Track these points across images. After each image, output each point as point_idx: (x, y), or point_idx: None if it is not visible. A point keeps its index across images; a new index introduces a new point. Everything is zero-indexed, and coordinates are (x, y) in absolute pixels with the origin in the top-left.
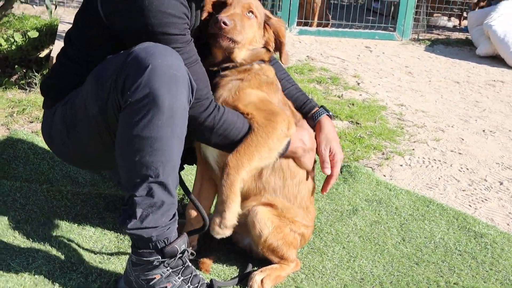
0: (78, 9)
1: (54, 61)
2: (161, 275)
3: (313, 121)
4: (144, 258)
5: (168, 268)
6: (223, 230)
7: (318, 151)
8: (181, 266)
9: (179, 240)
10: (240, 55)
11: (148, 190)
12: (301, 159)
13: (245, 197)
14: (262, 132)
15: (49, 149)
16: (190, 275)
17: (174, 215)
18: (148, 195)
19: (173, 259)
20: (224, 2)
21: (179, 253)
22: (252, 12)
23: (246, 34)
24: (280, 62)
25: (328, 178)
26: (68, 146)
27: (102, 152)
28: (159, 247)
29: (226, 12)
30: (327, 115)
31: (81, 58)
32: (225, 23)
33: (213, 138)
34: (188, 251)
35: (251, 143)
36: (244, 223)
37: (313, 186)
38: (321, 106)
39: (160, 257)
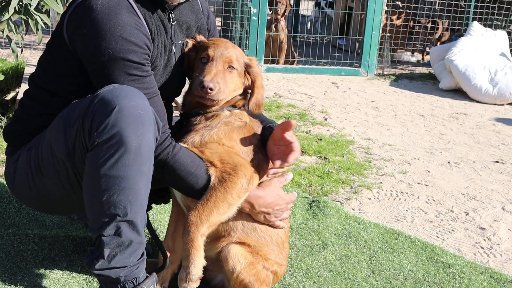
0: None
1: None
2: None
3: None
4: None
5: None
6: (190, 284)
7: (268, 147)
8: None
9: (147, 280)
10: (217, 107)
11: (116, 229)
12: (255, 216)
13: (216, 237)
14: (221, 187)
15: None
16: None
17: (142, 254)
18: (116, 234)
19: None
20: (205, 49)
21: None
22: (232, 66)
23: (227, 89)
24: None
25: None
26: (33, 192)
27: (69, 196)
28: None
29: (209, 72)
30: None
31: (45, 97)
32: (211, 89)
33: (166, 176)
34: None
35: (210, 199)
36: (217, 260)
37: (288, 224)
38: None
39: None
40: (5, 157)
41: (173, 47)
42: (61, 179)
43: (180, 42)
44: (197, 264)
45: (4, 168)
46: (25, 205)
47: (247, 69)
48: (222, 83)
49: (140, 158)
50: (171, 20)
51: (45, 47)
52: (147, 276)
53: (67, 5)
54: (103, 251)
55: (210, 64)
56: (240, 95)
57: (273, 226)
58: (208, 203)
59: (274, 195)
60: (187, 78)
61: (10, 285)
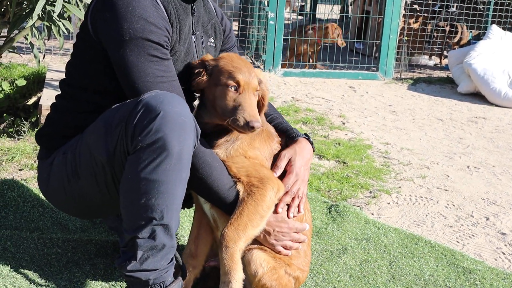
0: (65, 57)
1: (44, 109)
2: None
3: (292, 140)
4: None
5: None
6: None
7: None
8: None
9: (173, 284)
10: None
11: (151, 232)
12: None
13: None
14: (251, 200)
15: (40, 197)
16: None
17: (172, 259)
18: (150, 237)
19: None
20: (228, 74)
21: None
22: (257, 90)
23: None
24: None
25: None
26: (68, 194)
27: (104, 199)
28: None
29: (251, 109)
30: (305, 138)
31: (75, 93)
32: (257, 127)
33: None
34: None
35: (243, 212)
36: None
37: (310, 230)
38: (304, 133)
39: None
40: (29, 161)
41: (193, 37)
42: (98, 181)
43: (198, 33)
44: (238, 279)
45: (29, 172)
46: (57, 208)
47: (259, 83)
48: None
49: (180, 164)
50: (193, 9)
51: (71, 50)
52: (173, 280)
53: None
54: (136, 253)
55: (244, 96)
56: None
57: (274, 250)
58: (241, 217)
59: (276, 216)
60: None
61: None
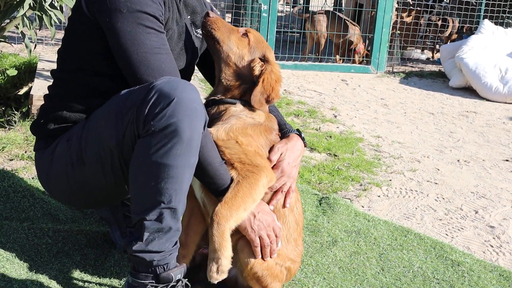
0: (57, 47)
1: (35, 98)
2: None
3: (283, 136)
4: (139, 281)
5: None
6: (220, 276)
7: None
8: None
9: (176, 269)
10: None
11: (158, 215)
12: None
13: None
14: (246, 183)
15: (31, 187)
16: None
17: (176, 242)
18: (157, 220)
19: (166, 286)
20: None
21: (173, 281)
22: (247, 35)
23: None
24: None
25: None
26: (71, 182)
27: (108, 187)
28: (157, 272)
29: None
30: (297, 134)
31: (68, 77)
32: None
33: None
34: (182, 281)
35: (238, 193)
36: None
37: (301, 219)
38: (296, 129)
39: (154, 281)
40: (19, 152)
41: (185, 21)
42: (104, 166)
43: (188, 17)
44: (228, 256)
45: (20, 162)
46: (56, 199)
47: (263, 61)
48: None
49: (190, 149)
50: None
51: (62, 38)
52: (176, 265)
53: None
54: (142, 234)
55: (251, 52)
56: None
57: (249, 238)
58: (236, 197)
59: (264, 206)
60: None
61: (25, 277)
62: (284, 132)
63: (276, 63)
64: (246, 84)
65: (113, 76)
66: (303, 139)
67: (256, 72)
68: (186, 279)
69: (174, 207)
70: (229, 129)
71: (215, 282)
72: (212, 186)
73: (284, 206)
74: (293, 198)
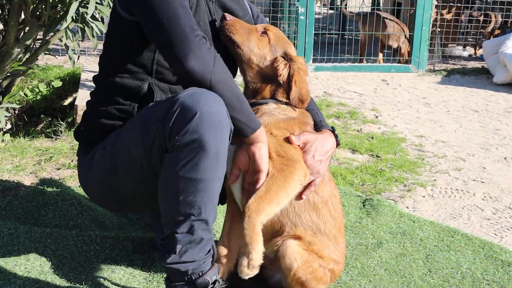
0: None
1: (79, 109)
2: None
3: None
4: None
5: None
6: (251, 271)
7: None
8: None
9: (210, 271)
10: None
11: (189, 227)
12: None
13: (272, 234)
14: (281, 177)
15: (78, 195)
16: None
17: (209, 250)
18: (188, 232)
19: None
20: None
21: (211, 284)
22: (266, 33)
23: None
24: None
25: None
26: (105, 189)
27: (141, 194)
28: (193, 279)
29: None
30: (330, 130)
31: (108, 82)
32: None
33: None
34: (219, 282)
35: (271, 187)
36: (275, 260)
37: (338, 215)
38: (331, 127)
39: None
40: (66, 161)
41: (215, 23)
42: (135, 176)
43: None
44: (259, 250)
45: (67, 171)
46: (94, 202)
47: (287, 60)
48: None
49: (218, 162)
50: None
51: (103, 44)
52: (210, 267)
53: None
54: (175, 247)
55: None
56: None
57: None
58: (270, 191)
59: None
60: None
61: (75, 284)
62: (318, 127)
63: (299, 56)
64: (273, 83)
65: (149, 72)
66: (336, 136)
67: (281, 71)
68: (221, 277)
69: (205, 219)
70: (263, 121)
71: (246, 277)
72: (243, 126)
73: (300, 198)
74: (326, 192)
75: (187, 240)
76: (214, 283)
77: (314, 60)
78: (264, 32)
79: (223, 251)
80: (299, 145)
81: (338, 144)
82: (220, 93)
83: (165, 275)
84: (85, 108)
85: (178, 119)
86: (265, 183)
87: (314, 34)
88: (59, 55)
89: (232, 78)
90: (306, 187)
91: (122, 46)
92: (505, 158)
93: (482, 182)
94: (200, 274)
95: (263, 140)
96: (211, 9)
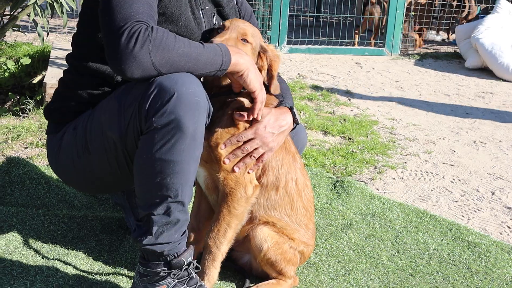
0: (70, 35)
1: (48, 87)
2: (167, 285)
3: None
4: (151, 270)
5: (174, 279)
6: None
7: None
8: (187, 277)
9: (186, 253)
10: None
11: (166, 209)
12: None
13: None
14: (225, 209)
15: (46, 174)
16: (195, 286)
17: (185, 231)
18: (165, 214)
19: (179, 270)
20: (222, 25)
21: (185, 265)
22: (246, 40)
23: None
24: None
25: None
26: (77, 169)
27: (114, 174)
28: (168, 260)
29: (221, 36)
30: (288, 107)
31: (82, 64)
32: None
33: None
34: (193, 263)
35: (222, 221)
36: (243, 242)
37: (310, 205)
38: (291, 106)
39: (166, 268)
40: (34, 139)
41: (200, 12)
42: (108, 157)
43: (207, 8)
44: (212, 280)
45: (34, 150)
46: (65, 183)
47: (264, 51)
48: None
49: (194, 143)
50: None
51: (76, 29)
52: (185, 249)
53: None
54: (151, 228)
55: (223, 32)
56: None
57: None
58: (221, 223)
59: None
60: None
61: (41, 264)
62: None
63: (269, 45)
64: None
65: None
66: (293, 114)
67: (264, 66)
68: (196, 260)
69: (181, 200)
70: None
71: None
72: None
73: (233, 171)
74: (300, 183)
75: (163, 221)
76: (188, 264)
77: (289, 42)
78: (244, 39)
79: (192, 232)
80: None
81: (296, 123)
82: (174, 71)
83: (133, 256)
84: (54, 86)
85: (155, 100)
86: (215, 216)
87: (289, 15)
88: (28, 32)
89: (174, 40)
90: (248, 153)
91: (93, 28)
92: (474, 142)
93: (452, 165)
94: (176, 255)
95: (243, 67)
96: (207, 17)
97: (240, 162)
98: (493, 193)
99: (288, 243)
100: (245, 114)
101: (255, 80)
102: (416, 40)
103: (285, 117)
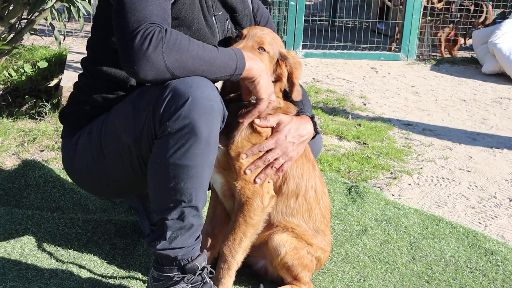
0: (86, 39)
1: (65, 90)
2: None
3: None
4: (165, 274)
5: (188, 283)
6: None
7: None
8: (200, 282)
9: (199, 257)
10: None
11: (180, 214)
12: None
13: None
14: (241, 213)
15: (61, 177)
16: None
17: (199, 236)
18: (179, 218)
19: (192, 275)
20: (240, 33)
21: (199, 270)
22: (263, 48)
23: None
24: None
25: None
26: (92, 174)
27: (129, 179)
28: (182, 264)
29: (237, 45)
30: (309, 116)
31: (97, 69)
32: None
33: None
34: (207, 268)
35: (238, 230)
36: (259, 247)
37: (327, 212)
38: (312, 115)
39: (180, 273)
40: (50, 143)
41: (213, 18)
42: (123, 161)
43: (220, 13)
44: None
45: (50, 153)
46: (79, 187)
47: (284, 59)
48: None
49: (209, 148)
50: None
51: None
52: (199, 254)
53: None
54: (165, 233)
55: (240, 40)
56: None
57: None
58: (237, 233)
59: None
60: None
61: (56, 267)
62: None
63: (290, 51)
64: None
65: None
66: (314, 124)
67: (283, 73)
68: (210, 265)
69: (195, 205)
70: (238, 141)
71: None
72: (232, 78)
73: (254, 182)
74: (319, 191)
75: (177, 226)
76: (202, 269)
77: (304, 47)
78: (261, 48)
79: (207, 237)
80: (271, 126)
81: (316, 133)
82: (187, 73)
83: (146, 260)
84: (70, 90)
85: (169, 104)
86: (231, 225)
87: (304, 20)
88: (45, 36)
89: (188, 43)
90: (269, 164)
91: (107, 31)
92: (491, 148)
93: (468, 171)
94: (190, 260)
95: (256, 74)
96: (209, 3)
97: (261, 173)
98: (510, 200)
99: (306, 249)
100: (245, 117)
101: (265, 88)
102: (441, 46)
103: (305, 127)
